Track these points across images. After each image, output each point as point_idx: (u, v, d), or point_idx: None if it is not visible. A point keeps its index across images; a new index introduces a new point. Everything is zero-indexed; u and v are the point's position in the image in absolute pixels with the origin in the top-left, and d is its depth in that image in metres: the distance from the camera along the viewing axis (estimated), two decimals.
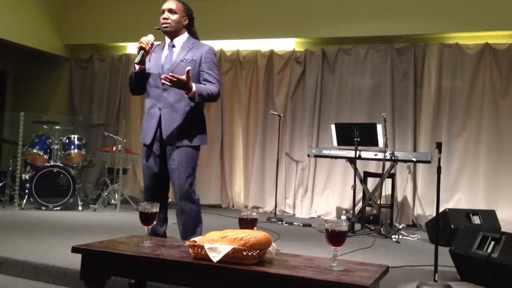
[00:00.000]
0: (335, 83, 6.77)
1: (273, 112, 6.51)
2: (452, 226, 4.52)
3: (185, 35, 3.25)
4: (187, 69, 2.94)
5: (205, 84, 3.13)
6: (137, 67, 3.09)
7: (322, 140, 6.70)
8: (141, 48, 3.05)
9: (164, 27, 3.17)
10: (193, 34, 3.29)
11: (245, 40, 7.09)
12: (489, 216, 4.84)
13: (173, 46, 3.21)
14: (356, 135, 5.17)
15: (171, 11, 3.17)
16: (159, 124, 3.14)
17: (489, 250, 3.05)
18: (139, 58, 3.06)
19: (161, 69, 3.14)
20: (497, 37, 6.11)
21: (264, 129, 7.03)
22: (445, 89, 6.27)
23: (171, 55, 3.19)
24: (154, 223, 2.44)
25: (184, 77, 2.91)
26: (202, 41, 3.32)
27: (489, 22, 5.95)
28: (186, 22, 3.23)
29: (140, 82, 3.18)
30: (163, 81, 2.95)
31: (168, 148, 3.15)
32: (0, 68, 8.27)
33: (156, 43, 3.25)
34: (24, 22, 7.19)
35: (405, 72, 6.46)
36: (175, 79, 2.89)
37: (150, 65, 3.18)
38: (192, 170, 3.16)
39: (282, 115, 6.52)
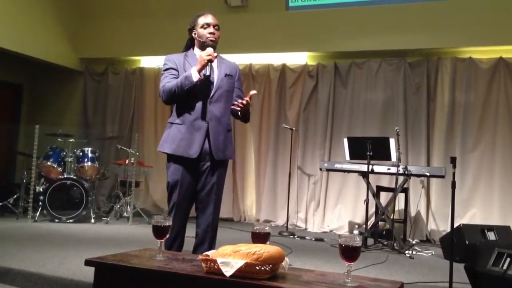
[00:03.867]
0: (347, 97, 6.77)
1: (285, 126, 6.51)
2: (467, 242, 4.47)
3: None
4: (253, 93, 3.12)
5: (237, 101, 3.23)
6: (195, 79, 3.04)
7: (334, 154, 6.68)
8: (209, 61, 3.06)
9: (213, 41, 3.20)
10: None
11: (258, 53, 7.13)
12: (505, 232, 4.78)
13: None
14: (369, 149, 5.15)
15: (215, 26, 3.23)
16: (206, 137, 3.13)
17: (505, 267, 3.00)
18: (208, 70, 3.07)
19: (204, 79, 3.12)
20: (511, 52, 6.07)
21: (276, 142, 7.03)
22: (459, 103, 6.23)
23: (212, 69, 3.19)
24: (167, 236, 2.43)
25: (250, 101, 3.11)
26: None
27: (503, 36, 5.93)
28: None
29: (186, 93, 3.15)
30: (239, 105, 3.06)
31: (211, 162, 3.15)
32: (16, 81, 8.39)
33: (174, 55, 3.26)
34: (39, 36, 7.30)
35: (418, 86, 6.44)
36: (247, 104, 3.08)
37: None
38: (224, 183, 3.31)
39: (294, 128, 6.52)
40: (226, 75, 3.21)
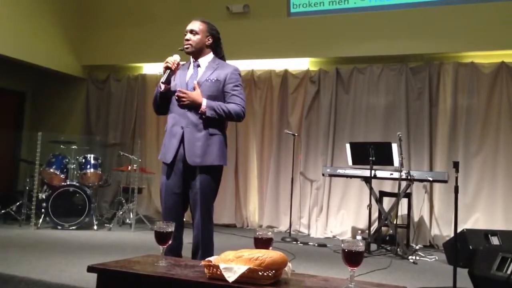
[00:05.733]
0: (349, 102, 6.77)
1: (288, 131, 6.51)
2: (471, 247, 4.45)
3: (210, 55, 3.27)
4: (194, 82, 3.08)
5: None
6: (162, 86, 3.10)
7: (336, 159, 6.67)
8: (167, 68, 3.08)
9: (186, 48, 3.20)
10: (218, 54, 3.31)
11: (260, 59, 7.14)
12: (508, 236, 4.75)
13: (198, 65, 3.23)
14: (371, 154, 5.14)
15: (192, 32, 3.20)
16: (181, 143, 3.12)
17: (508, 271, 3.00)
18: (165, 78, 3.08)
19: (186, 88, 3.15)
20: None
21: (279, 148, 7.03)
22: (461, 108, 6.23)
23: (196, 75, 3.20)
24: (170, 242, 2.43)
25: (189, 92, 3.06)
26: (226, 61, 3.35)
27: (505, 41, 5.93)
28: (210, 42, 3.25)
29: (165, 101, 3.20)
30: (176, 98, 3.05)
31: (191, 168, 3.12)
32: (19, 88, 8.42)
33: (181, 62, 3.28)
34: (42, 43, 7.34)
35: (420, 91, 6.44)
36: (184, 94, 3.03)
37: (174, 84, 3.20)
38: (215, 191, 3.20)
39: (296, 134, 6.52)
40: (208, 80, 3.16)
